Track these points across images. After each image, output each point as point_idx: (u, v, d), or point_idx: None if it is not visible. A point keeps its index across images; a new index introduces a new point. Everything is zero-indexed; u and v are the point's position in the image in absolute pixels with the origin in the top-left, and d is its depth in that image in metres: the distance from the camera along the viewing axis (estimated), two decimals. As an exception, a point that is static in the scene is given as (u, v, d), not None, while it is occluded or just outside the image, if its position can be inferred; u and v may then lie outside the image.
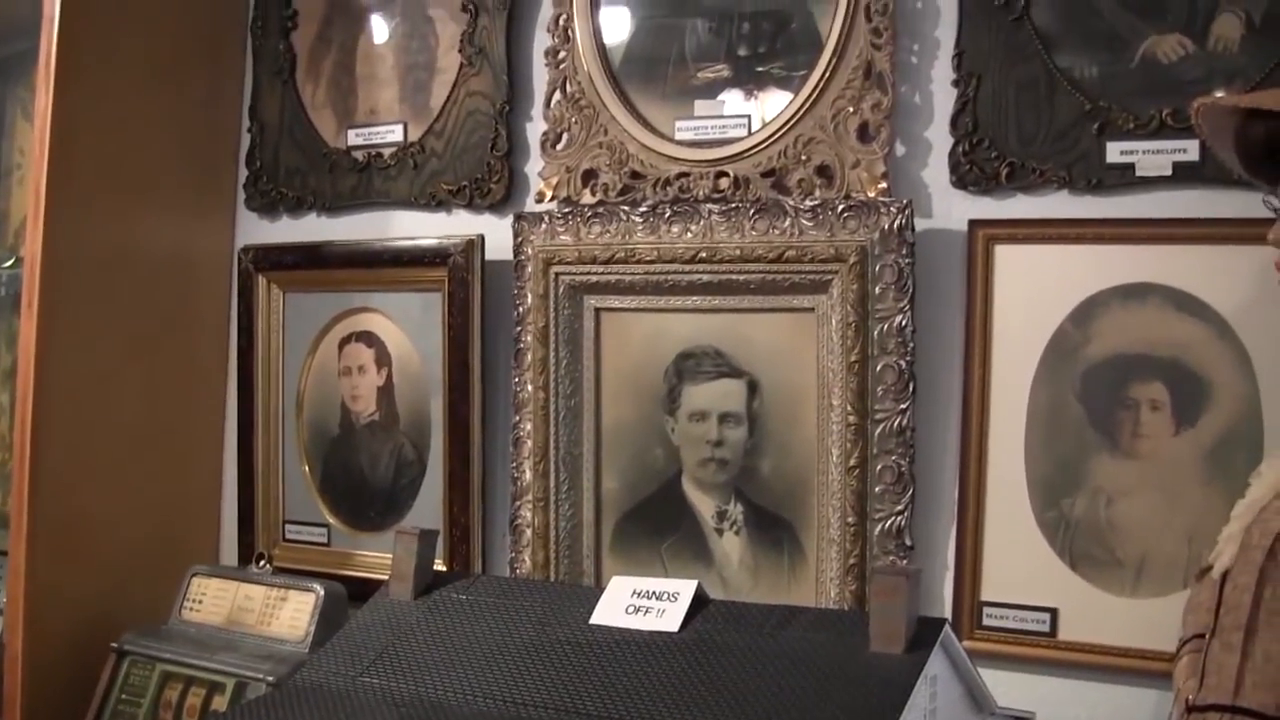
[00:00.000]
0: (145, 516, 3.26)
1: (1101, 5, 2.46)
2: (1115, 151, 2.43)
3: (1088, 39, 2.48)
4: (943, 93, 2.61)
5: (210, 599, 3.04)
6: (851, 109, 2.62)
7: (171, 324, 3.34)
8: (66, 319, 3.02)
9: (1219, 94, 2.30)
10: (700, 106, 2.80)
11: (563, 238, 2.85)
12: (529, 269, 2.88)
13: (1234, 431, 2.32)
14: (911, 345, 2.53)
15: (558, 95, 2.95)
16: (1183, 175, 2.38)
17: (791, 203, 2.63)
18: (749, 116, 2.74)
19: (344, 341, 3.25)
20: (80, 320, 3.06)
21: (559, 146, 2.93)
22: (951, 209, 2.59)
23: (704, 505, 2.76)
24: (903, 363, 2.53)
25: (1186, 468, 2.36)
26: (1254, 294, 2.29)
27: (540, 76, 3.02)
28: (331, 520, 3.26)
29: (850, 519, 2.56)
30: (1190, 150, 2.36)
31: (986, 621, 2.52)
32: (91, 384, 3.09)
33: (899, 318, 2.53)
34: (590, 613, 2.16)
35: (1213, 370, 2.34)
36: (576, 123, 2.91)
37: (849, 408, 2.56)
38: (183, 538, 3.38)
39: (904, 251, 2.52)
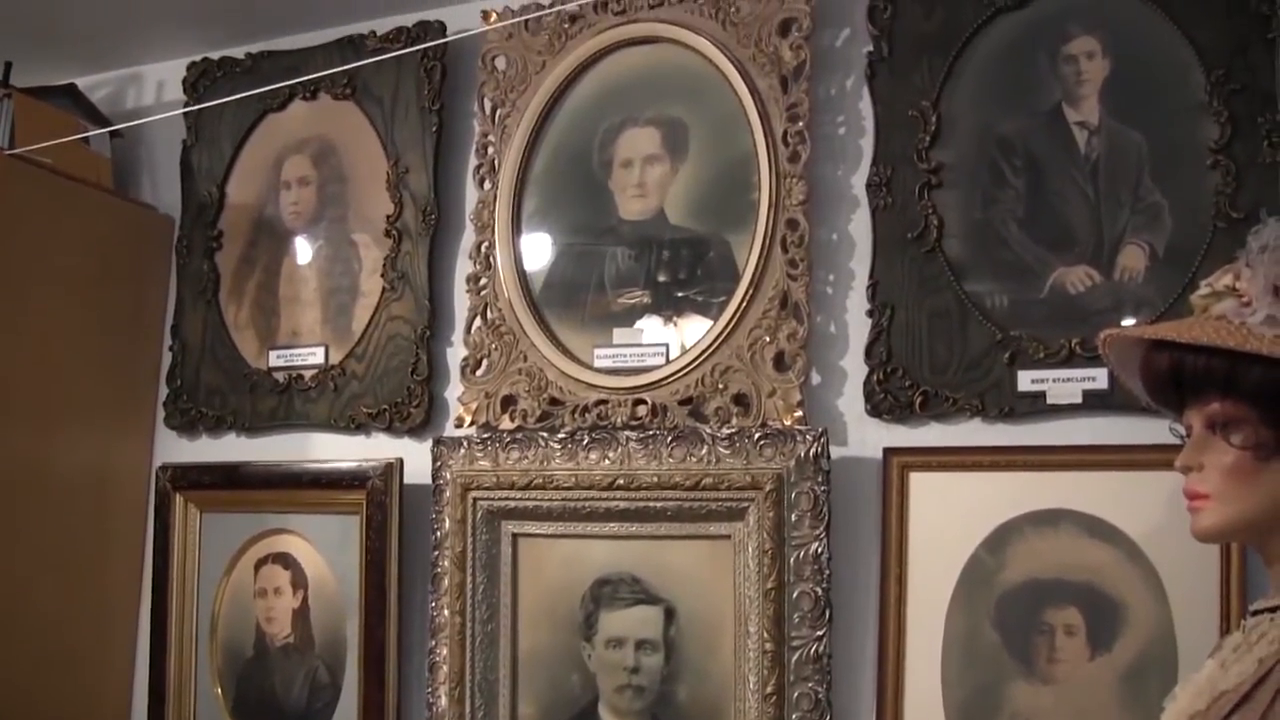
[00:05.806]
0: (54, 738, 3.18)
1: (1011, 237, 2.53)
2: (1026, 380, 2.48)
3: (998, 270, 2.55)
4: (857, 322, 2.67)
5: (118, 826, 2.96)
6: (768, 338, 2.66)
7: (86, 541, 3.30)
8: (-22, 535, 2.99)
9: (1125, 323, 2.37)
10: (619, 334, 2.84)
11: (481, 463, 2.85)
12: (447, 493, 2.89)
13: (1148, 655, 2.33)
14: (828, 572, 2.53)
15: (478, 321, 2.98)
16: (1092, 403, 2.43)
17: (709, 430, 2.65)
18: (667, 344, 2.78)
19: (260, 563, 3.22)
20: (-8, 536, 3.02)
21: (479, 372, 2.96)
22: (866, 437, 2.63)
23: (622, 732, 2.74)
24: (819, 589, 2.53)
25: (1102, 692, 2.37)
26: (1164, 519, 2.32)
27: (461, 302, 3.06)
28: (243, 745, 3.20)
29: (768, 747, 2.55)
30: (1099, 378, 2.41)
31: None
32: (1, 600, 3.04)
33: (815, 545, 2.54)
34: None
35: (1126, 594, 2.36)
36: (496, 349, 2.94)
37: (765, 635, 2.55)
38: (92, 760, 3.30)
39: (820, 479, 2.54)
